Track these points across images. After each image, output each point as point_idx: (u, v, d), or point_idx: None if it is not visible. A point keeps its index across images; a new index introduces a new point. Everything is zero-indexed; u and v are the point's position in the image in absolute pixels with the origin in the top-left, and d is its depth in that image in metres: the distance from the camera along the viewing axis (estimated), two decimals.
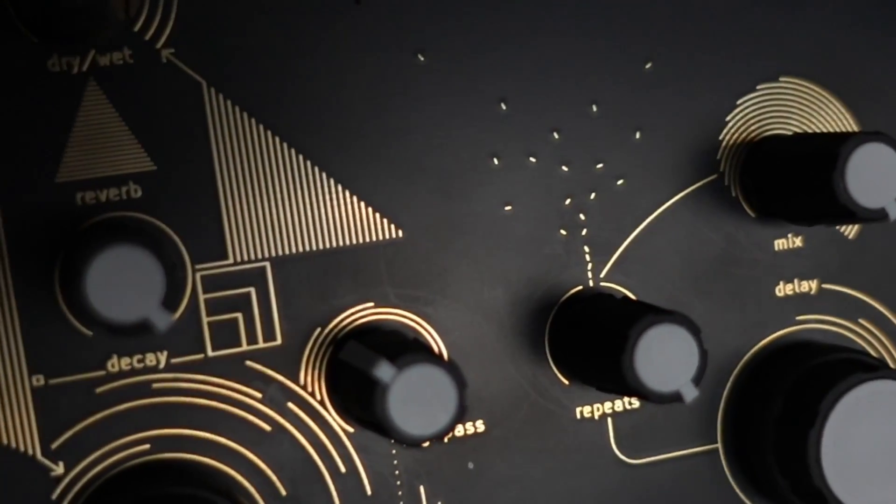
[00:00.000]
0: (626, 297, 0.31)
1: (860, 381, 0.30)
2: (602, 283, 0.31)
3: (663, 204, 0.32)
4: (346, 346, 0.28)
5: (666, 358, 0.27)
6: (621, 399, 0.31)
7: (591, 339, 0.29)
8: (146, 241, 0.24)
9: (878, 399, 0.30)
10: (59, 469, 0.27)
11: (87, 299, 0.23)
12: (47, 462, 0.27)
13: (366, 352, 0.27)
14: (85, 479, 0.27)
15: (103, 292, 0.23)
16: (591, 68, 0.31)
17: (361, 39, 0.30)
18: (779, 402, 0.31)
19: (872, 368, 0.31)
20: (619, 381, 0.28)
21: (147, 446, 0.27)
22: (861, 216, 0.29)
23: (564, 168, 0.31)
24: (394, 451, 0.29)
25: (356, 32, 0.29)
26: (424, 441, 0.26)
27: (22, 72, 0.27)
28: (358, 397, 0.27)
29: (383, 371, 0.25)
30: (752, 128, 0.33)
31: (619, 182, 0.31)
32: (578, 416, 0.31)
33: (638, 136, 0.31)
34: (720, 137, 0.32)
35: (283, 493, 0.28)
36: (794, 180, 0.31)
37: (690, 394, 0.28)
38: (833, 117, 0.33)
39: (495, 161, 0.30)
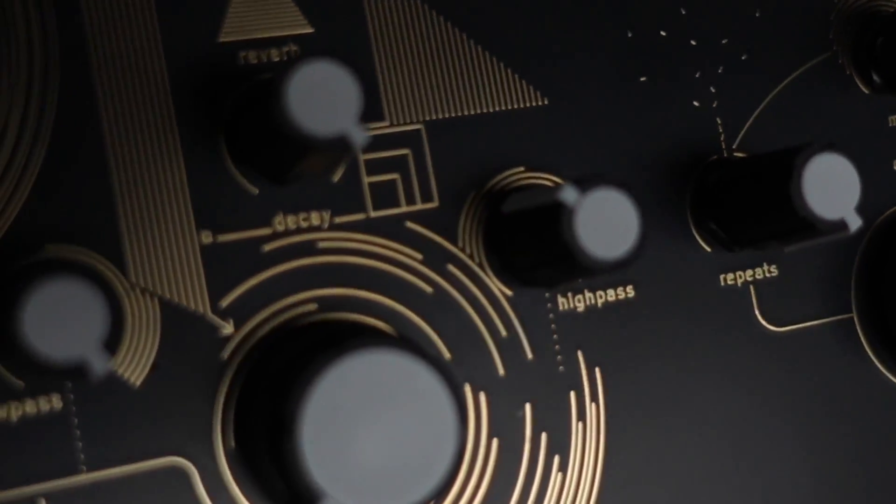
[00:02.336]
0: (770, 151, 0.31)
1: None
2: (735, 154, 0.31)
3: (787, 77, 0.32)
4: (510, 198, 0.28)
5: (830, 187, 0.27)
6: (762, 267, 0.31)
7: (748, 190, 0.29)
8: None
9: None
10: (229, 328, 0.26)
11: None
12: (217, 320, 0.26)
13: (538, 191, 0.27)
14: (254, 339, 0.26)
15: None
16: None
17: None
18: None
19: None
20: (784, 218, 0.27)
21: (314, 306, 0.27)
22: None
23: (693, 42, 0.31)
24: (551, 316, 0.29)
25: None
26: (608, 267, 0.25)
27: None
28: (533, 237, 0.27)
29: (568, 194, 0.25)
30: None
31: (744, 57, 0.32)
32: (722, 283, 0.30)
33: (758, 13, 0.32)
34: (830, 18, 0.32)
35: (448, 355, 0.28)
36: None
37: (855, 223, 0.27)
38: None
39: (629, 34, 0.31)
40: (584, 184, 0.26)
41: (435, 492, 0.24)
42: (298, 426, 0.23)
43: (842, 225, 0.27)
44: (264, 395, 0.25)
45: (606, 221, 0.25)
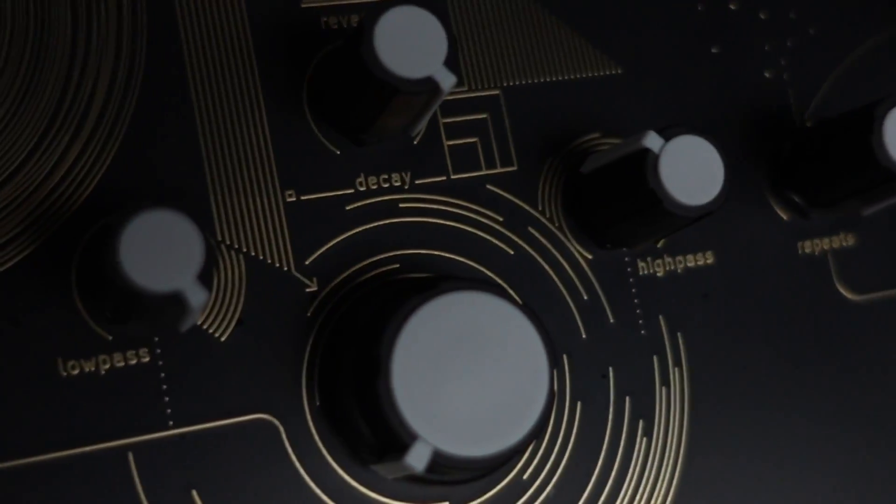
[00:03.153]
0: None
1: None
2: (806, 124, 0.31)
3: (855, 49, 0.32)
4: (589, 159, 0.28)
5: None
6: (839, 235, 0.31)
7: (826, 151, 0.29)
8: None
9: None
10: (314, 285, 0.26)
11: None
12: (302, 278, 0.26)
13: (619, 145, 0.27)
14: (338, 297, 0.26)
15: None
16: None
17: None
18: None
19: None
20: (865, 173, 0.27)
21: (397, 265, 0.27)
22: None
23: (762, 15, 0.31)
24: (631, 280, 0.29)
25: None
26: (694, 213, 0.25)
27: None
28: (617, 189, 0.27)
29: (652, 140, 0.25)
30: None
31: (811, 30, 0.32)
32: (800, 251, 0.30)
33: None
34: None
35: None
36: None
37: None
38: None
39: (699, 7, 0.31)
40: (668, 130, 0.26)
41: (528, 438, 0.24)
42: (389, 367, 0.23)
43: None
44: (352, 346, 0.25)
45: (691, 168, 0.25)
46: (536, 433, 0.24)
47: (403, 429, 0.23)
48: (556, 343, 0.26)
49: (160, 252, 0.21)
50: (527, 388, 0.24)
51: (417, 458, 0.23)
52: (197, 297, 0.21)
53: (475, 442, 0.23)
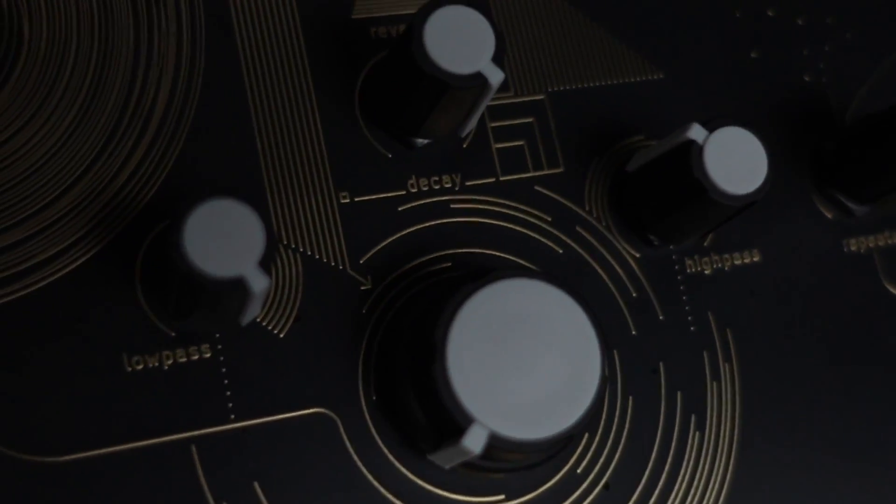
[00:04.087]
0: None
1: None
2: (848, 121, 0.31)
3: (891, 54, 0.32)
4: (633, 158, 0.28)
5: None
6: (884, 233, 0.30)
7: (870, 146, 0.28)
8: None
9: None
10: (368, 283, 0.26)
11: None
12: (356, 276, 0.26)
13: (663, 142, 0.27)
14: (392, 294, 0.26)
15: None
16: None
17: None
18: None
19: None
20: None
21: (448, 263, 0.27)
22: None
23: (799, 21, 0.31)
24: (679, 278, 0.29)
25: None
26: (739, 202, 0.25)
27: None
28: (663, 183, 0.27)
29: (696, 132, 0.25)
30: None
31: (848, 35, 0.32)
32: (846, 248, 0.30)
33: None
34: None
35: None
36: None
37: None
38: None
39: (737, 14, 0.31)
40: (713, 122, 0.26)
41: (580, 426, 0.24)
42: (445, 352, 0.23)
43: None
44: (407, 337, 0.25)
45: (735, 158, 0.25)
46: (591, 416, 0.24)
47: (460, 412, 0.23)
48: (604, 329, 0.26)
49: (223, 239, 0.22)
50: (580, 373, 0.24)
51: (474, 442, 0.23)
52: (259, 283, 0.22)
53: (531, 425, 0.23)
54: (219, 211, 0.22)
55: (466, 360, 0.23)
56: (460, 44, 0.24)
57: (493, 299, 0.24)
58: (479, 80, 0.24)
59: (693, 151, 0.25)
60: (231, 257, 0.21)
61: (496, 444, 0.23)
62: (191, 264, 0.21)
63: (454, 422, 0.23)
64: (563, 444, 0.24)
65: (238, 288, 0.22)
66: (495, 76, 0.24)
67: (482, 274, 0.24)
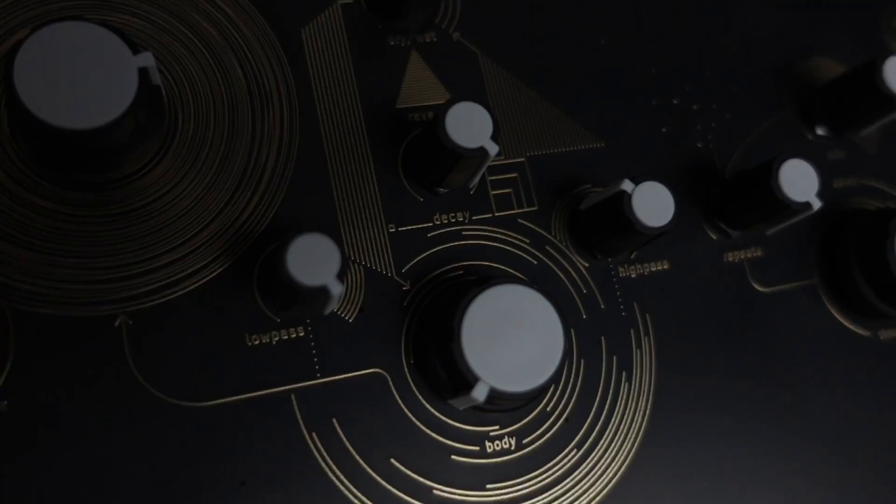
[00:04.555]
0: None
1: None
2: (727, 176, 0.30)
3: (755, 129, 0.31)
4: (584, 200, 0.27)
5: (798, 180, 0.26)
6: (751, 248, 0.29)
7: (743, 191, 0.28)
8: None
9: None
10: (407, 285, 0.26)
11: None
12: (400, 281, 0.26)
13: (604, 190, 0.26)
14: (423, 292, 0.26)
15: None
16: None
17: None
18: (854, 239, 0.29)
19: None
20: (769, 205, 0.26)
21: (461, 272, 0.26)
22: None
23: (695, 107, 0.30)
24: (615, 280, 0.28)
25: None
26: (656, 233, 0.25)
27: (374, 46, 0.27)
28: (605, 218, 0.26)
29: (627, 185, 0.25)
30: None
31: (728, 116, 0.30)
32: (725, 259, 0.29)
33: (735, 90, 0.31)
34: (782, 91, 0.31)
35: None
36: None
37: (816, 204, 0.26)
38: None
39: (653, 102, 0.30)
40: (638, 178, 0.25)
41: (550, 381, 0.23)
42: (460, 334, 0.23)
43: (807, 205, 0.26)
44: (435, 322, 0.25)
45: (652, 202, 0.25)
46: (557, 376, 0.23)
47: (470, 374, 0.23)
48: (565, 315, 0.26)
49: (312, 259, 0.21)
50: (550, 346, 0.23)
51: (479, 393, 0.23)
52: (336, 289, 0.21)
53: (517, 382, 0.23)
54: (310, 240, 0.21)
55: (474, 339, 0.23)
56: (469, 127, 0.24)
57: (492, 298, 0.23)
58: (482, 151, 0.24)
59: (625, 198, 0.25)
60: (318, 272, 0.21)
61: (494, 395, 0.23)
62: (291, 277, 0.21)
63: (466, 380, 0.23)
64: (538, 394, 0.24)
65: (322, 293, 0.21)
66: (493, 149, 0.24)
67: (484, 281, 0.24)
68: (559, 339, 0.23)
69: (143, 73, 0.22)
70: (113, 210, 0.24)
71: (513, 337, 0.23)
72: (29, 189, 0.23)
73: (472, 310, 0.23)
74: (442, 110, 0.24)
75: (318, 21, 0.27)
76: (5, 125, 0.23)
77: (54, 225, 0.23)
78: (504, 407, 0.25)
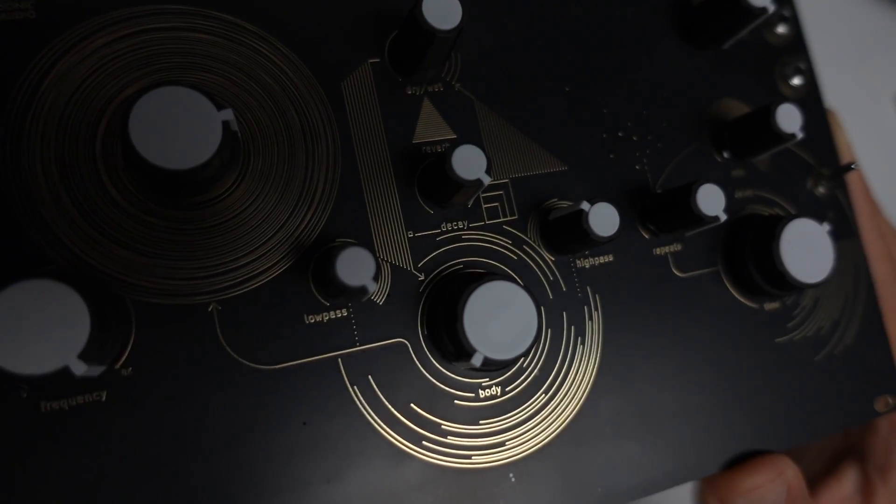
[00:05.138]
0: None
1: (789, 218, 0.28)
2: (657, 191, 0.29)
3: (677, 156, 0.30)
4: (552, 212, 0.27)
5: (710, 199, 0.26)
6: (672, 245, 0.29)
7: (669, 205, 0.27)
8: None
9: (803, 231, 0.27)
10: (422, 276, 0.26)
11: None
12: (416, 273, 0.26)
13: (567, 207, 0.26)
14: (434, 282, 0.26)
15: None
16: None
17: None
18: (749, 237, 0.29)
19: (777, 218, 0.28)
20: (688, 216, 0.26)
21: (461, 266, 0.27)
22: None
23: (634, 138, 0.30)
24: (573, 270, 0.28)
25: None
26: (606, 240, 0.25)
27: (395, 94, 0.27)
28: (567, 228, 0.26)
29: (585, 205, 0.25)
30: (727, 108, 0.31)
31: (659, 145, 0.30)
32: (654, 253, 0.28)
33: (665, 124, 0.30)
34: (704, 121, 0.31)
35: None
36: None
37: (723, 217, 0.26)
38: None
39: (604, 135, 0.29)
40: (593, 200, 0.25)
41: (528, 349, 0.24)
42: (462, 317, 0.23)
43: (716, 218, 0.26)
44: (443, 306, 0.25)
45: (603, 218, 0.25)
46: (532, 347, 0.24)
47: (469, 346, 0.23)
48: (539, 301, 0.26)
49: (356, 266, 0.22)
50: (527, 325, 0.24)
51: (477, 360, 0.23)
52: (371, 286, 0.22)
53: (504, 351, 0.23)
54: (354, 252, 0.22)
55: (473, 320, 0.23)
56: (469, 163, 0.24)
57: (486, 290, 0.24)
58: (478, 182, 0.24)
59: (583, 215, 0.25)
60: (359, 275, 0.22)
61: (487, 361, 0.23)
62: (339, 279, 0.22)
63: (466, 351, 0.23)
64: (516, 361, 0.24)
65: (362, 289, 0.22)
66: (486, 180, 0.24)
67: (480, 277, 0.24)
68: (533, 318, 0.24)
69: (226, 125, 0.22)
70: (203, 224, 0.24)
71: (500, 319, 0.23)
72: (141, 209, 0.23)
73: (472, 300, 0.23)
74: (449, 150, 0.24)
75: (354, 76, 0.26)
76: (120, 161, 0.24)
77: (161, 236, 0.23)
78: (494, 368, 0.25)
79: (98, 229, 0.23)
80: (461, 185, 0.23)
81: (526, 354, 0.24)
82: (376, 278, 0.22)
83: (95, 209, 0.23)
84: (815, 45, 0.36)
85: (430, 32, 0.23)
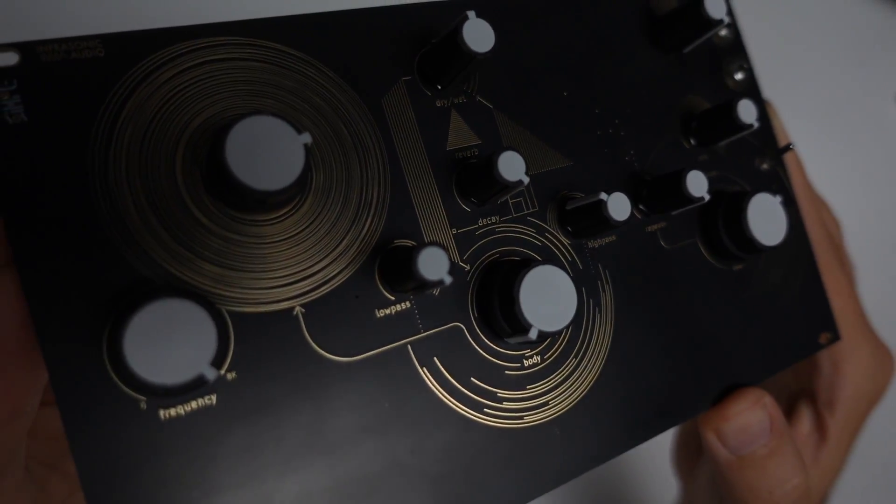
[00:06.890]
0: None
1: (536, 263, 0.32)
2: (646, 178, 0.33)
3: (655, 147, 0.34)
4: (569, 202, 0.30)
5: (696, 183, 0.30)
6: (659, 223, 0.33)
7: (658, 190, 0.31)
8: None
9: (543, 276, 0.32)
10: (468, 266, 0.29)
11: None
12: (463, 265, 0.29)
13: (584, 197, 0.29)
14: (478, 271, 0.29)
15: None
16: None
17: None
18: (721, 211, 0.33)
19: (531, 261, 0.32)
20: (675, 198, 0.30)
21: (498, 255, 0.29)
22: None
23: (622, 133, 0.33)
24: (587, 250, 0.31)
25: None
26: (618, 225, 0.28)
27: (427, 107, 0.29)
28: (585, 216, 0.29)
29: (602, 195, 0.28)
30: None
31: (642, 138, 0.34)
32: (647, 230, 0.33)
33: (647, 120, 0.34)
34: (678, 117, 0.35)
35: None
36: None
37: (706, 197, 0.30)
38: None
39: (598, 133, 0.33)
40: (609, 190, 0.29)
41: (574, 320, 0.27)
42: (519, 297, 0.26)
43: (702, 198, 0.30)
44: (494, 291, 0.27)
45: (619, 206, 0.28)
46: (575, 319, 0.27)
47: (526, 322, 0.26)
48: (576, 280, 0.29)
49: (434, 263, 0.24)
50: (569, 300, 0.27)
51: (533, 334, 0.26)
52: (447, 279, 0.24)
53: (553, 325, 0.27)
54: (432, 251, 0.24)
55: (527, 300, 0.26)
56: (512, 166, 0.26)
57: (536, 273, 0.27)
58: (520, 181, 0.26)
59: (602, 204, 0.28)
60: (437, 270, 0.24)
61: (542, 334, 0.26)
62: (421, 275, 0.24)
63: (523, 327, 0.26)
64: (565, 330, 0.27)
65: (440, 283, 0.24)
66: (526, 179, 0.27)
67: (526, 263, 0.27)
68: (573, 297, 0.27)
69: (307, 147, 0.24)
70: (280, 237, 0.26)
71: (547, 294, 0.26)
72: (224, 227, 0.25)
73: (524, 283, 0.26)
74: (496, 153, 0.26)
75: (391, 93, 0.29)
76: (200, 184, 0.25)
77: (244, 251, 0.25)
78: (542, 341, 0.28)
79: (187, 248, 0.24)
80: (506, 186, 0.26)
81: (570, 325, 0.27)
82: (452, 273, 0.24)
83: (183, 229, 0.24)
84: (815, 45, 0.34)
85: (470, 55, 0.26)
